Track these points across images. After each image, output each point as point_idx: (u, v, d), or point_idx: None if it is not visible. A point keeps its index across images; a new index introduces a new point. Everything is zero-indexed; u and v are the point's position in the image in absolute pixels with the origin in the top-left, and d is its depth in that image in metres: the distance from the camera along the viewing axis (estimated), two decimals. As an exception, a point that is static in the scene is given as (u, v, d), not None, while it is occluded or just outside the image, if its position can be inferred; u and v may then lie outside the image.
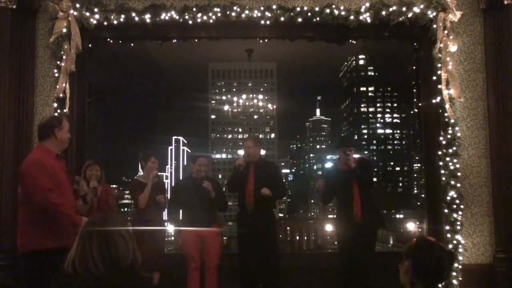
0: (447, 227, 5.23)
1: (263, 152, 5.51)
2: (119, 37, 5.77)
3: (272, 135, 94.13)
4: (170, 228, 9.41)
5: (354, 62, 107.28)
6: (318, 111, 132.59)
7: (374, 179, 5.73)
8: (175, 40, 5.84)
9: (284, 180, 6.00)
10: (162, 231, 5.31)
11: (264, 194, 4.98)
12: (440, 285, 2.04)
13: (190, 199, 5.08)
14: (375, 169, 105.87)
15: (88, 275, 1.86)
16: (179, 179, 10.12)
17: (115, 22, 5.39)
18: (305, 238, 7.53)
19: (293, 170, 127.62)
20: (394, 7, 5.40)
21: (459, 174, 5.29)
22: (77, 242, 1.94)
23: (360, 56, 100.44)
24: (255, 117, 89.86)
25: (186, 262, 5.05)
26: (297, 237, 7.49)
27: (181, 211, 5.38)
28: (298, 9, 5.43)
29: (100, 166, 4.84)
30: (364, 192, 4.93)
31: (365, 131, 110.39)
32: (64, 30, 5.27)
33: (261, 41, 5.92)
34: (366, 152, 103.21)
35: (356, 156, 5.10)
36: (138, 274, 1.97)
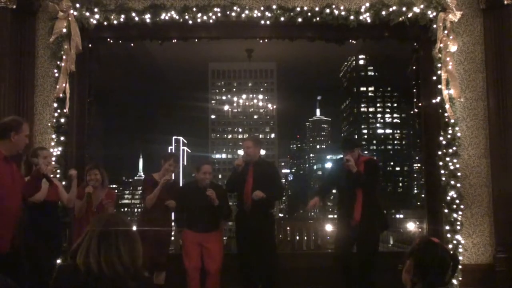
0: (447, 227, 5.23)
1: (262, 152, 5.48)
2: (119, 37, 5.78)
3: (272, 135, 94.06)
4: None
5: (354, 62, 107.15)
6: (318, 111, 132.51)
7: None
8: (175, 40, 5.84)
9: (283, 181, 5.97)
10: (168, 231, 5.27)
11: (256, 197, 4.93)
12: None
13: (194, 206, 5.04)
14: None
15: (113, 275, 1.86)
16: (184, 184, 10.03)
17: (115, 22, 5.39)
18: (305, 238, 7.52)
19: (293, 170, 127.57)
20: (394, 7, 5.40)
21: (459, 174, 5.29)
22: (99, 242, 1.92)
23: (360, 56, 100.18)
24: (255, 117, 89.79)
25: (185, 262, 5.03)
26: (297, 237, 7.48)
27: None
28: (298, 9, 5.43)
29: (99, 170, 4.85)
30: (369, 196, 4.80)
31: (365, 131, 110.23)
32: (64, 30, 5.28)
33: (261, 41, 5.93)
34: (366, 152, 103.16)
35: (365, 156, 5.04)
36: (139, 274, 1.97)
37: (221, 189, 5.31)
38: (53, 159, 5.02)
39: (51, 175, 4.25)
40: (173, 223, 5.79)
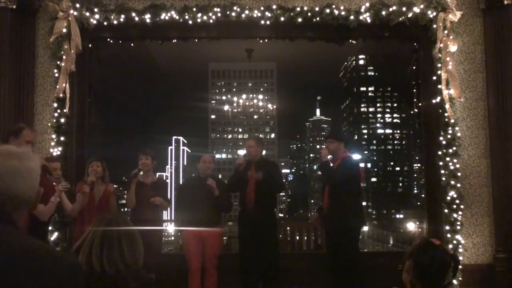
0: (447, 227, 5.23)
1: (263, 152, 5.50)
2: (119, 37, 5.78)
3: (272, 135, 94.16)
4: (170, 228, 9.34)
5: (354, 62, 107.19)
6: (318, 111, 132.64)
7: (362, 184, 5.55)
8: (175, 40, 5.84)
9: (284, 180, 6.00)
10: (158, 231, 5.23)
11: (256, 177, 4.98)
12: None
13: (196, 198, 5.06)
14: (375, 169, 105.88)
15: (115, 274, 1.86)
16: (186, 178, 10.13)
17: (115, 22, 5.39)
18: (305, 238, 7.50)
19: (293, 170, 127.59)
20: (394, 7, 5.40)
21: (459, 174, 5.29)
22: (102, 242, 1.91)
23: (360, 56, 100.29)
24: (255, 117, 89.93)
25: (187, 262, 5.05)
26: (297, 237, 7.47)
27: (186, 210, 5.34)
28: (298, 9, 5.43)
29: (101, 163, 4.86)
30: (337, 190, 4.87)
31: (365, 131, 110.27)
32: (64, 30, 5.27)
33: (261, 41, 5.92)
34: (366, 152, 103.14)
35: (346, 154, 5.04)
36: (141, 273, 1.97)
37: (222, 182, 5.38)
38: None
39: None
40: (164, 224, 5.77)
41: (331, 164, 5.12)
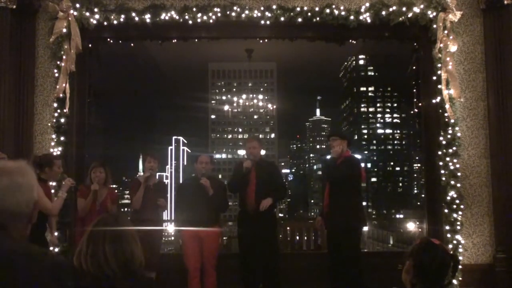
0: (447, 227, 5.23)
1: (262, 152, 5.50)
2: (119, 37, 5.78)
3: (272, 135, 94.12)
4: (170, 228, 9.35)
5: (354, 62, 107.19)
6: (318, 111, 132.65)
7: (363, 183, 5.59)
8: (175, 40, 5.84)
9: (284, 180, 5.98)
10: (159, 231, 5.31)
11: (264, 207, 4.93)
12: None
13: (194, 198, 5.08)
14: (375, 169, 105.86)
15: (100, 274, 1.85)
16: (185, 178, 10.24)
17: (115, 22, 5.39)
18: (305, 238, 7.51)
19: (293, 170, 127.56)
20: (394, 7, 5.40)
21: (459, 174, 5.29)
22: (88, 241, 1.91)
23: (360, 56, 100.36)
24: (255, 117, 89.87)
25: (186, 262, 5.05)
26: (297, 237, 7.47)
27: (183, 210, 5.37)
28: (298, 9, 5.43)
29: (104, 168, 4.93)
30: (337, 188, 4.90)
31: (365, 131, 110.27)
32: (64, 30, 5.27)
33: (261, 41, 5.92)
34: (366, 152, 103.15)
35: (348, 154, 5.06)
36: (142, 274, 1.96)
37: (219, 182, 5.40)
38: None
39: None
40: (164, 224, 5.83)
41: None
